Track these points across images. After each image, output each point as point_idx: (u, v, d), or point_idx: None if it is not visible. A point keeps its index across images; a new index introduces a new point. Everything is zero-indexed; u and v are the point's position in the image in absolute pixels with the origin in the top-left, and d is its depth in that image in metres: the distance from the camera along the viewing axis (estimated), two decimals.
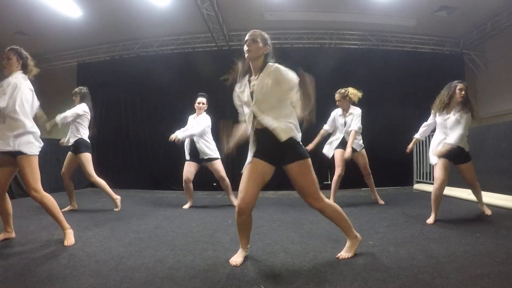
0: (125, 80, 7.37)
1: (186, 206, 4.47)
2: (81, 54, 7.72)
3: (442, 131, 3.34)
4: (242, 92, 2.18)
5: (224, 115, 6.09)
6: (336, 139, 4.45)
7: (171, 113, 7.03)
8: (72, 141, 4.15)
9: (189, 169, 4.42)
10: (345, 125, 4.37)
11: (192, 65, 6.90)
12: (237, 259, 2.13)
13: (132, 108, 7.43)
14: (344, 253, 2.18)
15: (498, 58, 7.09)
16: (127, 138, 7.40)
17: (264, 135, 2.08)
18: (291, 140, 2.05)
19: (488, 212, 3.49)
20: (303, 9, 6.12)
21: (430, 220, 3.19)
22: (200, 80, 6.77)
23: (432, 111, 3.49)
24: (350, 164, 4.63)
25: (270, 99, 2.06)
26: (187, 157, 4.47)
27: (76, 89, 4.37)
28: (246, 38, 2.20)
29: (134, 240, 2.70)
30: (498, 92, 7.15)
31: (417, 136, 3.90)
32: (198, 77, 6.82)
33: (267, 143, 2.07)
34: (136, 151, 7.32)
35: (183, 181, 4.44)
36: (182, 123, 7.30)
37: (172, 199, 5.51)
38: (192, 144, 4.44)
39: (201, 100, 4.51)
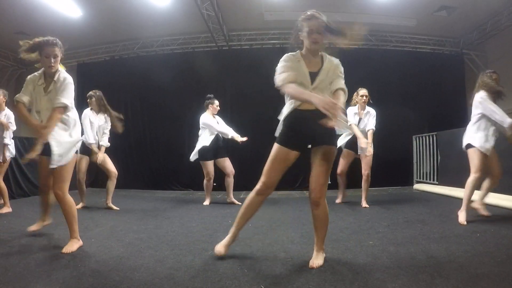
0: (125, 80, 7.37)
1: (207, 203, 4.71)
2: (81, 54, 7.72)
3: (490, 121, 3.24)
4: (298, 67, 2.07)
5: (224, 115, 6.10)
6: (349, 134, 4.41)
7: (171, 113, 7.04)
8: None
9: (212, 168, 4.68)
10: (358, 123, 4.38)
11: (192, 65, 6.90)
12: (221, 248, 2.19)
13: (132, 108, 7.42)
14: (316, 261, 2.04)
15: (498, 58, 7.09)
16: (127, 138, 7.38)
17: (309, 114, 1.98)
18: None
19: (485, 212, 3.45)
20: (303, 9, 6.04)
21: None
22: (200, 80, 6.77)
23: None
24: (349, 164, 4.63)
25: (328, 87, 2.13)
26: (210, 157, 4.64)
27: (91, 93, 4.54)
28: (312, 27, 2.07)
29: (134, 240, 2.70)
30: None
31: None
32: (198, 77, 6.82)
33: (309, 124, 1.99)
34: (136, 151, 7.31)
35: (208, 179, 4.69)
36: (182, 123, 7.32)
37: (172, 199, 5.51)
38: (217, 143, 4.68)
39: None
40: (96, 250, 2.39)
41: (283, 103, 2.25)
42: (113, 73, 7.45)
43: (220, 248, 2.21)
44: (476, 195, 3.40)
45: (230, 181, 4.75)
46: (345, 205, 4.48)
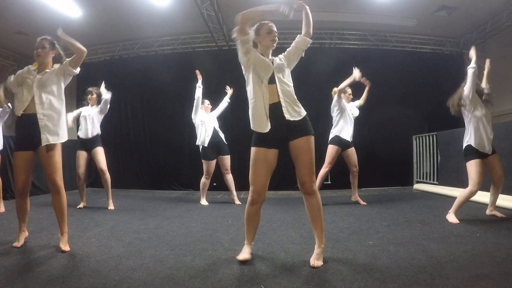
0: (125, 80, 7.36)
1: (205, 202, 4.76)
2: None
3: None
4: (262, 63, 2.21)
5: (224, 115, 6.10)
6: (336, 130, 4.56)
7: (171, 113, 7.03)
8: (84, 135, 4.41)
9: (213, 167, 4.76)
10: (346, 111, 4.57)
11: (192, 65, 6.88)
12: (245, 255, 2.15)
13: (132, 108, 7.42)
14: (317, 262, 2.03)
15: (498, 58, 7.08)
16: (127, 138, 7.39)
17: (277, 110, 2.12)
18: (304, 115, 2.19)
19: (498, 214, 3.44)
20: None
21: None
22: None
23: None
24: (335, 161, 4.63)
25: (286, 69, 2.29)
26: (210, 157, 4.72)
27: (92, 89, 4.64)
28: (274, 29, 2.31)
29: (134, 240, 2.70)
30: (498, 92, 7.10)
31: None
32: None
33: (278, 119, 2.11)
34: (136, 151, 7.31)
35: (207, 177, 4.76)
36: (182, 123, 7.32)
37: (172, 199, 5.51)
38: (216, 141, 4.75)
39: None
40: (96, 250, 2.39)
41: None
42: (113, 73, 7.44)
43: (243, 255, 2.15)
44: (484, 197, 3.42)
45: (230, 179, 4.81)
46: (345, 205, 4.48)
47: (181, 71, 7.03)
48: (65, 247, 2.40)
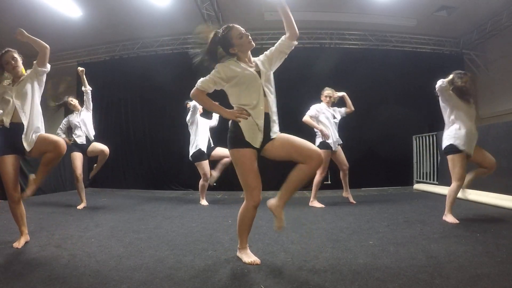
0: (125, 80, 7.37)
1: (205, 203, 4.74)
2: (81, 54, 7.72)
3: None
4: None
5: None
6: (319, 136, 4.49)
7: (171, 113, 7.03)
8: (84, 140, 4.49)
9: (208, 167, 4.73)
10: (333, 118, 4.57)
11: (192, 65, 6.89)
12: (253, 257, 2.12)
13: (132, 108, 7.42)
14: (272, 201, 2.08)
15: (498, 58, 7.09)
16: (127, 138, 7.39)
17: (267, 123, 2.09)
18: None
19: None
20: (303, 9, 6.12)
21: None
22: None
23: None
24: (349, 164, 4.64)
25: (269, 72, 2.20)
26: (205, 156, 4.71)
27: (67, 99, 4.63)
28: (242, 29, 2.21)
29: (134, 240, 2.70)
30: (498, 92, 7.15)
31: None
32: (198, 77, 6.81)
33: (267, 132, 2.09)
34: (136, 151, 7.31)
35: (206, 179, 4.72)
36: (182, 123, 7.30)
37: (172, 199, 5.51)
38: (208, 141, 4.79)
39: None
40: (96, 250, 2.39)
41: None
42: (113, 73, 7.45)
43: (252, 257, 2.12)
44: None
45: (225, 162, 4.74)
46: (345, 205, 4.48)
47: (181, 71, 7.02)
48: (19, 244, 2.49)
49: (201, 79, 2.22)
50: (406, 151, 6.64)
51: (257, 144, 2.05)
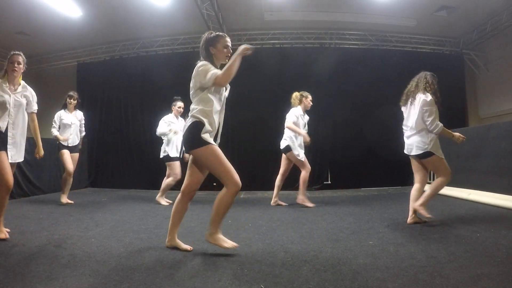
0: (125, 80, 7.36)
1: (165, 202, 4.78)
2: (81, 54, 7.72)
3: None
4: None
5: (224, 116, 6.09)
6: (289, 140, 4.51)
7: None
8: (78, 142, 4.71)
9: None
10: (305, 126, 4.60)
11: (192, 65, 6.88)
12: (230, 242, 2.30)
13: (132, 108, 7.42)
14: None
15: (498, 58, 7.08)
16: (127, 138, 7.39)
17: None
18: None
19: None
20: (303, 9, 6.11)
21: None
22: None
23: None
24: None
25: None
26: (178, 155, 4.78)
27: (72, 94, 4.74)
28: (230, 44, 2.45)
29: (134, 240, 2.70)
30: (498, 92, 7.15)
31: None
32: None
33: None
34: (136, 151, 7.31)
35: (174, 179, 4.76)
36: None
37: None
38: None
39: (182, 104, 4.96)
40: (96, 250, 2.39)
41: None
42: (113, 73, 7.45)
43: (231, 243, 2.30)
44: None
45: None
46: (345, 205, 4.49)
47: (181, 71, 7.01)
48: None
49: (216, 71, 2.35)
50: None
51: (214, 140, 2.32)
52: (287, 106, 4.65)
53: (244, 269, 1.99)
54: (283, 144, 4.46)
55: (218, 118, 2.37)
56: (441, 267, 1.94)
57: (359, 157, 6.45)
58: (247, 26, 6.90)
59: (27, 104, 2.81)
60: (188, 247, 2.40)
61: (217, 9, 5.96)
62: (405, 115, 3.40)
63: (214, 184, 6.06)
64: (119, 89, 7.46)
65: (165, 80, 6.93)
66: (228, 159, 2.32)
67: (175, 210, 2.46)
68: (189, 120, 2.31)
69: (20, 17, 5.87)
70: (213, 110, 2.30)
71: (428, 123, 3.11)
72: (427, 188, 3.24)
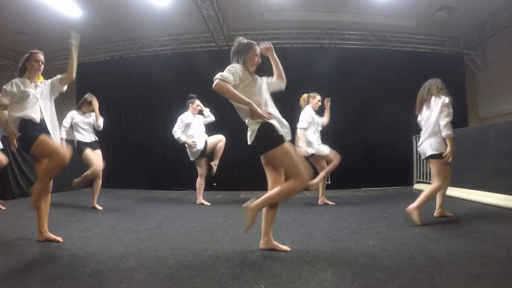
0: (125, 80, 7.37)
1: (205, 202, 4.74)
2: (81, 54, 7.69)
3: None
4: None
5: (224, 115, 6.09)
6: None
7: (171, 113, 7.02)
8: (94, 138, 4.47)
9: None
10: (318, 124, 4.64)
11: (192, 65, 6.90)
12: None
13: (132, 108, 7.43)
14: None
15: (498, 58, 7.09)
16: (127, 138, 7.40)
17: None
18: None
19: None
20: (303, 9, 6.12)
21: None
22: (200, 80, 6.77)
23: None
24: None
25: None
26: (200, 155, 4.72)
27: (91, 99, 4.48)
28: (259, 52, 2.51)
29: (134, 240, 2.70)
30: (498, 92, 7.15)
31: None
32: (198, 77, 6.82)
33: None
34: (136, 151, 7.32)
35: (203, 178, 4.78)
36: None
37: (172, 199, 5.51)
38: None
39: (199, 102, 4.84)
40: (96, 250, 2.39)
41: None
42: (113, 73, 7.45)
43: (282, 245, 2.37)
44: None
45: (220, 146, 4.74)
46: (345, 205, 4.49)
47: (181, 71, 7.03)
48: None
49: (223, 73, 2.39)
50: (406, 151, 6.64)
51: (288, 137, 2.30)
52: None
53: (244, 269, 1.99)
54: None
55: (274, 111, 2.35)
56: (441, 267, 1.94)
57: (359, 157, 6.45)
58: (247, 26, 6.90)
59: (51, 85, 2.79)
60: (287, 247, 2.36)
61: (217, 9, 5.96)
62: (422, 122, 3.37)
63: (214, 184, 6.06)
64: (119, 89, 7.47)
65: (165, 80, 6.94)
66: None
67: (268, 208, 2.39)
68: (254, 124, 2.29)
69: (20, 17, 5.87)
70: (262, 104, 2.32)
71: (444, 123, 3.13)
72: (423, 191, 3.25)
